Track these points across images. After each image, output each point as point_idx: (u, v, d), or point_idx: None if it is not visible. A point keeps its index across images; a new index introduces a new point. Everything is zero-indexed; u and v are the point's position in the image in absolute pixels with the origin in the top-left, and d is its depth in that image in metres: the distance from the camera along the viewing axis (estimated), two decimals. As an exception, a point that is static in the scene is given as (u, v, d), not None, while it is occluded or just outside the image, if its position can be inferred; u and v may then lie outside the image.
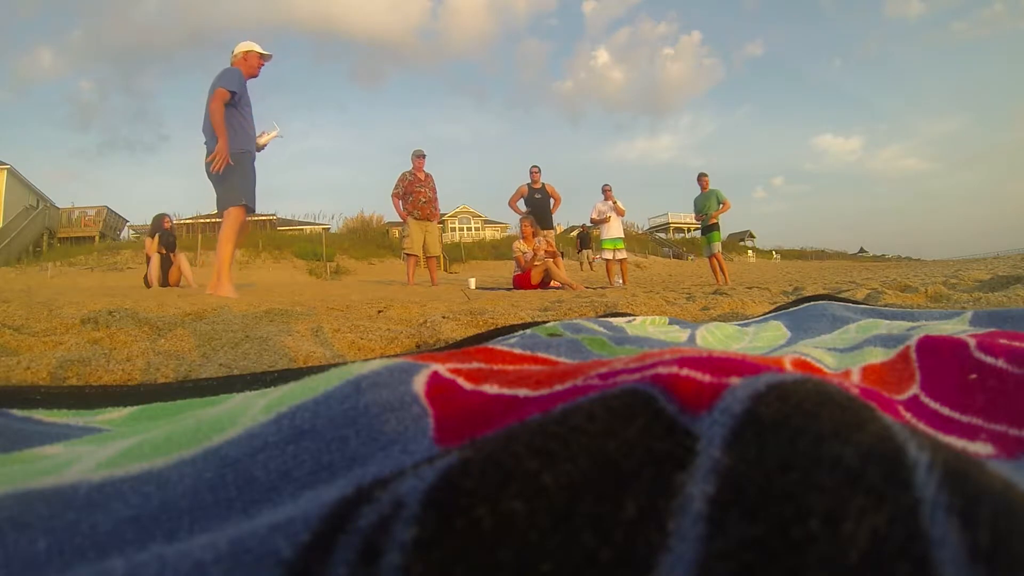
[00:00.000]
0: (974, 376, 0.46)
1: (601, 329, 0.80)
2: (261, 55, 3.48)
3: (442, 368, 0.35)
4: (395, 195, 5.86)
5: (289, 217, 24.96)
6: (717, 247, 6.51)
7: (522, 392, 0.31)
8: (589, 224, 9.66)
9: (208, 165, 3.24)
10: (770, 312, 1.33)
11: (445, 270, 12.70)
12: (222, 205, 3.34)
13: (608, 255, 6.71)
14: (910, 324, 0.86)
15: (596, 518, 0.19)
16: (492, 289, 5.40)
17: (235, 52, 3.47)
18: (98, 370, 0.86)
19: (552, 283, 5.43)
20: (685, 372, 0.26)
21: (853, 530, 0.16)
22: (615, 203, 6.68)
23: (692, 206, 6.80)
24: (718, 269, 6.43)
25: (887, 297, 1.76)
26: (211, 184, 3.35)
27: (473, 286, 5.80)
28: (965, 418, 0.42)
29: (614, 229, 6.70)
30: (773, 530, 0.17)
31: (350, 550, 0.19)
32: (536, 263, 5.47)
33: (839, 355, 0.66)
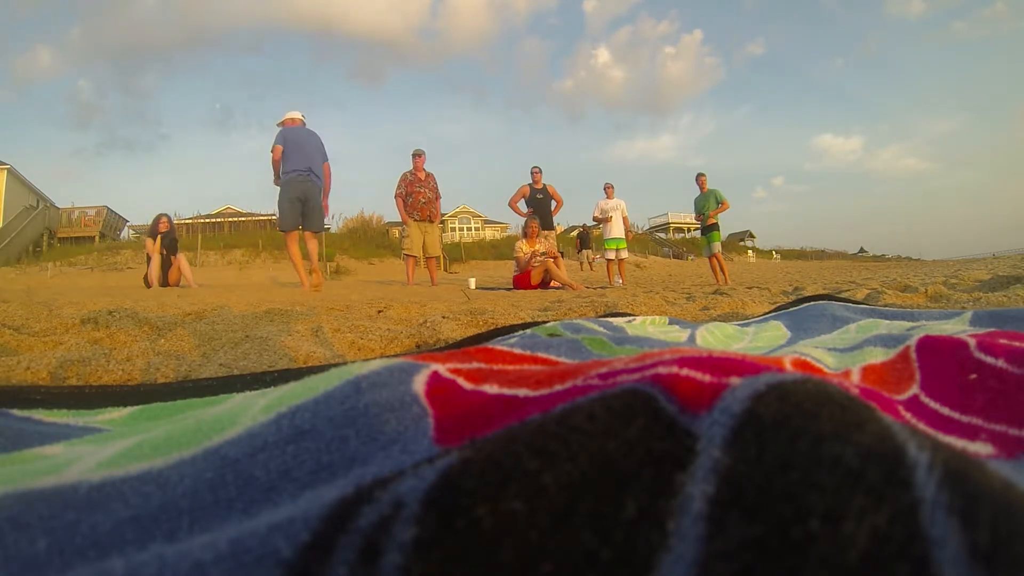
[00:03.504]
0: (974, 376, 0.46)
1: (601, 329, 0.80)
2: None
3: (442, 368, 0.35)
4: (398, 195, 5.86)
5: (289, 217, 24.97)
6: (717, 247, 6.51)
7: (522, 392, 0.31)
8: (590, 224, 9.60)
9: (316, 206, 4.72)
10: (770, 312, 1.33)
11: (445, 270, 12.69)
12: (318, 228, 4.80)
13: (611, 255, 6.69)
14: (910, 324, 0.86)
15: (596, 518, 0.19)
16: (492, 289, 5.40)
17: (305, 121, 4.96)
18: (98, 370, 0.86)
19: (552, 283, 5.43)
20: (685, 372, 0.26)
21: (853, 530, 0.16)
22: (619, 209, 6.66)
23: (692, 206, 6.80)
24: (718, 269, 6.43)
25: (887, 297, 1.76)
26: (311, 206, 4.66)
27: (473, 286, 5.80)
28: (965, 418, 0.42)
29: (616, 229, 6.68)
30: (773, 530, 0.17)
31: (350, 550, 0.19)
32: (535, 263, 5.47)
33: (839, 355, 0.66)
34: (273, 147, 4.58)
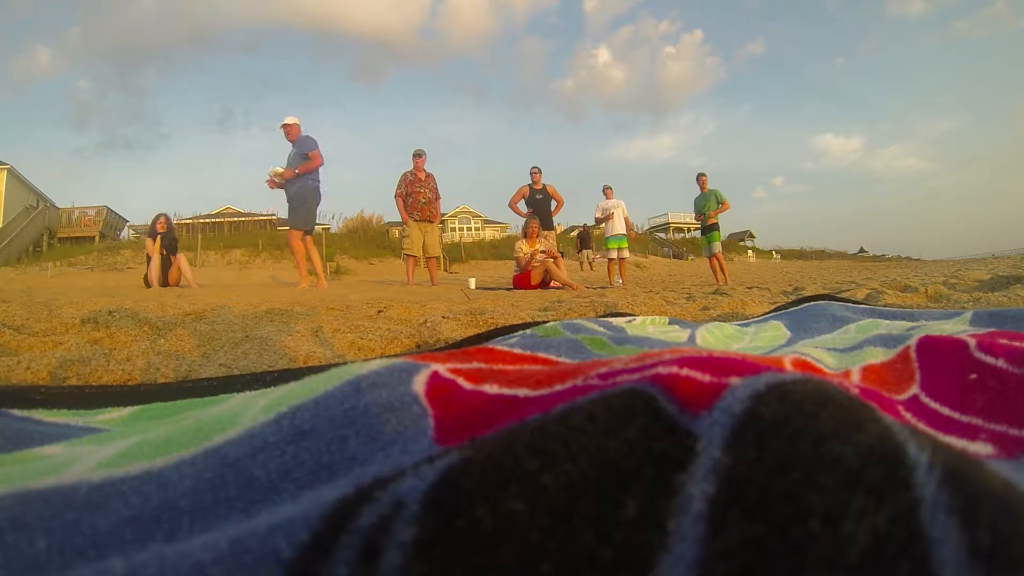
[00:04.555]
0: (974, 376, 0.46)
1: (601, 329, 0.80)
2: None
3: (442, 368, 0.35)
4: (398, 195, 5.86)
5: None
6: (717, 247, 6.51)
7: (522, 392, 0.31)
8: (591, 224, 9.57)
9: None
10: (770, 312, 1.33)
11: (445, 270, 12.68)
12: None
13: (612, 254, 6.69)
14: (910, 324, 0.86)
15: (596, 518, 0.19)
16: (492, 289, 5.39)
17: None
18: (98, 370, 0.86)
19: (552, 283, 5.43)
20: (685, 372, 0.26)
21: (853, 530, 0.16)
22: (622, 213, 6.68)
23: (692, 206, 6.80)
24: (718, 269, 6.43)
25: (887, 297, 1.76)
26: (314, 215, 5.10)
27: (473, 286, 5.80)
28: (965, 418, 0.42)
29: (618, 226, 6.68)
30: (773, 530, 0.17)
31: (350, 550, 0.19)
32: (535, 263, 5.47)
33: (839, 355, 0.66)
34: (317, 153, 4.95)
